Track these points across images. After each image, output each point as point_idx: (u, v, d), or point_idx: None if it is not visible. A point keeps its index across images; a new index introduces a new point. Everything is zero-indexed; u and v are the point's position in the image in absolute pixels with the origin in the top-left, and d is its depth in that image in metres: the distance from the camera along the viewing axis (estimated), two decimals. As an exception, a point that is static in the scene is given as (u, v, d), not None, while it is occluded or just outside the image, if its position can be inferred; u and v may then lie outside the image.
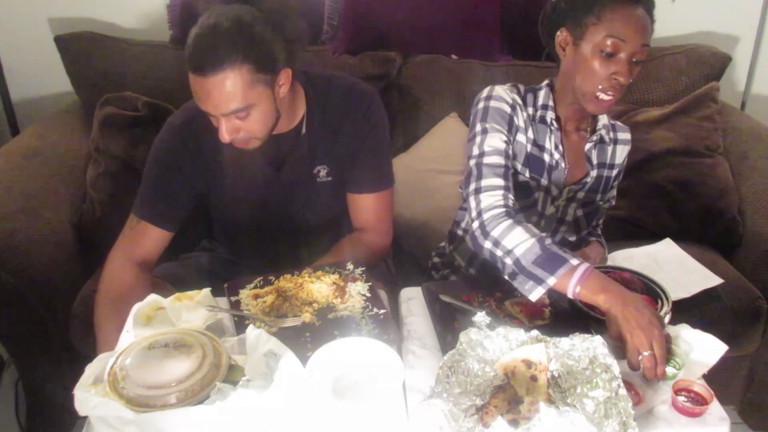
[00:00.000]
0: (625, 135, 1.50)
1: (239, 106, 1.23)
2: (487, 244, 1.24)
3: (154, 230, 1.42)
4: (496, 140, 1.33)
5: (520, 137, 1.39)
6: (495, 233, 1.23)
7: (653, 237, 1.84)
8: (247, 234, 1.57)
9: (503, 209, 1.26)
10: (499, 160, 1.32)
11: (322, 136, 1.45)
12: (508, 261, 1.21)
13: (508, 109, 1.36)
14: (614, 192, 1.55)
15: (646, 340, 1.03)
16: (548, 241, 1.20)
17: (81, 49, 2.05)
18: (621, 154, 1.49)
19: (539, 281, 1.16)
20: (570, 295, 1.15)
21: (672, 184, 1.91)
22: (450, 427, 0.89)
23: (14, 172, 1.77)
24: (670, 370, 1.04)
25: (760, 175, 1.90)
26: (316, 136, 1.44)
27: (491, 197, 1.28)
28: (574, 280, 1.14)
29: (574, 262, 1.15)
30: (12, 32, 2.21)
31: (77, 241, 1.76)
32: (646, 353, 1.03)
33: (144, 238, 1.42)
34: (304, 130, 1.43)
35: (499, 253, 1.22)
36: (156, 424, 0.87)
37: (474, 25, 2.15)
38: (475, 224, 1.27)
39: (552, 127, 1.40)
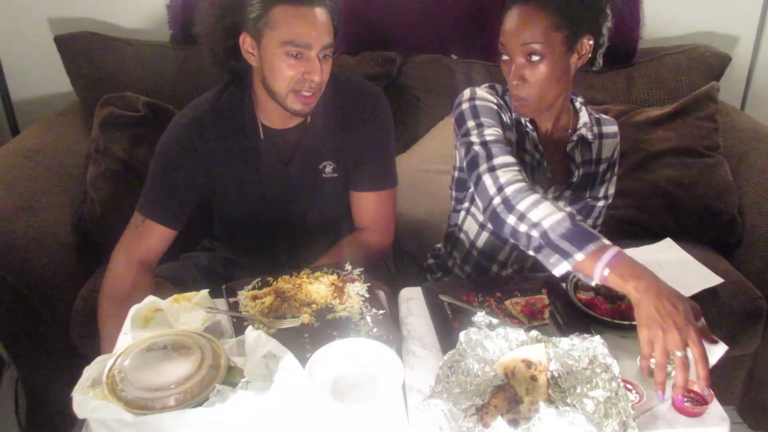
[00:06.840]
0: (610, 128, 1.47)
1: (331, 40, 1.32)
2: (511, 219, 1.16)
3: (159, 229, 1.42)
4: (493, 130, 1.29)
5: (509, 135, 1.36)
6: (521, 207, 1.15)
7: (653, 237, 1.83)
8: (250, 233, 1.57)
9: (525, 183, 1.19)
10: (505, 143, 1.27)
11: (328, 131, 1.46)
12: (535, 233, 1.12)
13: (495, 107, 1.34)
14: (611, 189, 1.52)
15: (680, 340, 0.95)
16: (579, 217, 1.13)
17: (81, 49, 2.05)
18: (608, 147, 1.46)
19: (566, 255, 1.07)
20: (597, 279, 1.05)
21: (672, 184, 1.90)
22: (450, 427, 0.89)
23: (14, 172, 1.76)
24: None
25: (760, 175, 1.90)
26: (322, 131, 1.45)
27: (508, 173, 1.21)
28: (602, 261, 1.04)
29: (606, 242, 1.07)
30: (12, 32, 2.21)
31: (77, 241, 1.75)
32: (679, 353, 0.95)
33: (148, 237, 1.42)
34: (309, 122, 1.44)
35: (523, 227, 1.14)
36: (155, 426, 0.87)
37: (474, 25, 2.14)
38: (497, 200, 1.18)
39: (527, 128, 1.38)
